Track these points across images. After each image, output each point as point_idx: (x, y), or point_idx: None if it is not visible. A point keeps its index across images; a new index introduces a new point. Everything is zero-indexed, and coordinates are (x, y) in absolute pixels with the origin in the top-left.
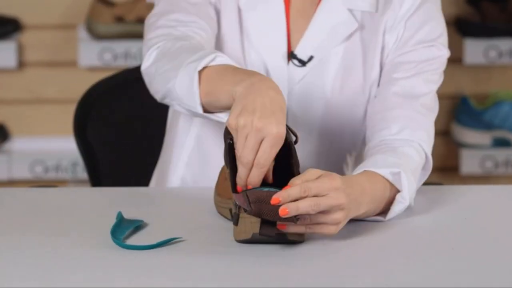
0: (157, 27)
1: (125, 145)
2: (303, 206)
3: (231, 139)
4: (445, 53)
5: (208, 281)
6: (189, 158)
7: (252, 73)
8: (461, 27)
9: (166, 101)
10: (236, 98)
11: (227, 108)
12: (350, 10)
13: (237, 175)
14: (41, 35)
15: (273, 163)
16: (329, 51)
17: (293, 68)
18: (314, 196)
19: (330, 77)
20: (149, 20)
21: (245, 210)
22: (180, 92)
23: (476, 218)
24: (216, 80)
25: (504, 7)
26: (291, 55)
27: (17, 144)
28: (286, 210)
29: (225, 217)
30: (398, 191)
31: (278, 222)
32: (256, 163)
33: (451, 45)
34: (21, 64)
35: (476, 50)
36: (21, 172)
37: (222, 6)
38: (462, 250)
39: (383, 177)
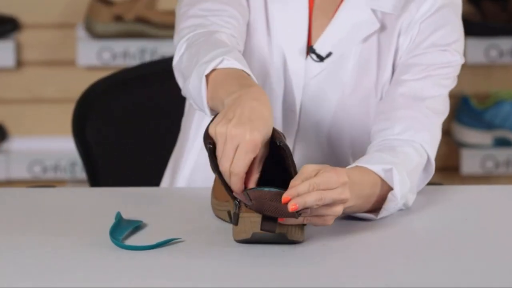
0: (188, 17)
1: (124, 145)
2: (310, 201)
3: (211, 143)
4: (458, 59)
5: (207, 282)
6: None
7: (245, 84)
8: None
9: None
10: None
11: None
12: (373, 11)
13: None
14: (39, 34)
15: (258, 172)
16: (348, 49)
17: (311, 63)
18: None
19: (346, 75)
20: (181, 9)
21: (246, 205)
22: (193, 92)
23: (476, 218)
24: (218, 86)
25: (504, 6)
26: (310, 50)
27: (16, 144)
28: (296, 205)
29: (223, 220)
30: (391, 189)
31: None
32: (231, 170)
33: None
34: (20, 64)
35: (477, 49)
36: (19, 172)
37: None
38: (462, 250)
39: (375, 174)
